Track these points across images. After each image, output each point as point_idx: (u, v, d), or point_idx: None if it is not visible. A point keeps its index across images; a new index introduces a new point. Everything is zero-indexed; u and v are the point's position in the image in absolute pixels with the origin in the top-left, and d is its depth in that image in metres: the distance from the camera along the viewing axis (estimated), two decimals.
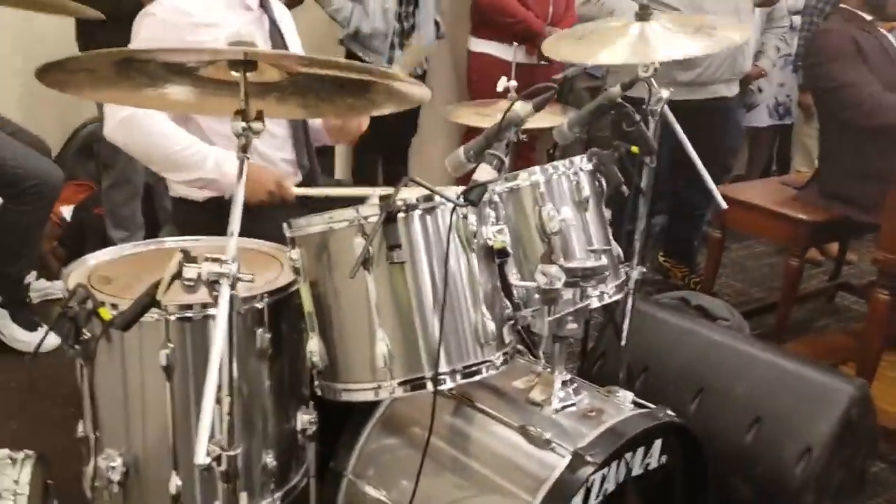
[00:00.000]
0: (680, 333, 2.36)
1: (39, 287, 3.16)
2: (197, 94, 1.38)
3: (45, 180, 2.72)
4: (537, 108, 1.49)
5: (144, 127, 1.95)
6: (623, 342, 2.13)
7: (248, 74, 1.24)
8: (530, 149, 3.81)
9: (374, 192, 1.61)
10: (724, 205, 1.92)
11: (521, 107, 1.48)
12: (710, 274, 3.41)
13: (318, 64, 1.26)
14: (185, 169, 1.99)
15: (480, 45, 3.81)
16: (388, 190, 1.46)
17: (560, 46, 2.01)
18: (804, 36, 4.07)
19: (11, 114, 3.11)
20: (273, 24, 2.14)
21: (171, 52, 1.33)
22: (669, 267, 3.83)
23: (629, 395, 1.67)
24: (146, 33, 1.96)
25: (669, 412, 1.62)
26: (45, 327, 2.83)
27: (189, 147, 1.97)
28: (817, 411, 1.95)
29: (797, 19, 4.16)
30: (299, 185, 2.12)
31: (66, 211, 3.55)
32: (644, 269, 2.04)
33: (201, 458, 1.02)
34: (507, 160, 1.44)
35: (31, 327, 2.87)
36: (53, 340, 2.72)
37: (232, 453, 1.21)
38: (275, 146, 2.13)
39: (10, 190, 2.68)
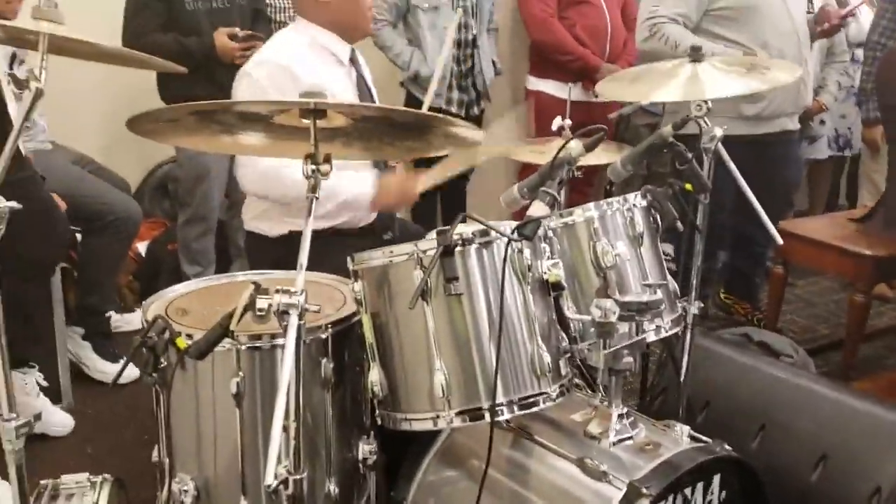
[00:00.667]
0: (742, 369, 2.35)
1: (114, 319, 3.30)
2: (269, 139, 1.48)
3: (125, 216, 2.88)
4: (589, 149, 1.54)
5: (284, 178, 2.05)
6: (682, 377, 2.14)
7: (317, 121, 1.33)
8: (587, 184, 3.85)
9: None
10: (780, 240, 1.93)
11: (574, 147, 1.53)
12: (772, 310, 3.37)
13: (379, 111, 1.34)
14: (324, 203, 2.11)
15: (538, 84, 3.90)
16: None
17: (614, 87, 2.06)
18: (867, 70, 4.03)
19: (94, 154, 3.31)
20: (360, 77, 2.28)
21: (249, 104, 1.43)
22: (732, 304, 3.79)
23: (686, 429, 1.68)
24: (247, 90, 2.10)
25: (726, 446, 1.62)
26: (125, 358, 2.95)
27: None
28: (886, 450, 1.91)
29: (859, 52, 4.12)
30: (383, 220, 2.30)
31: (142, 246, 3.73)
32: (702, 305, 2.05)
33: (270, 479, 1.09)
34: (559, 197, 1.49)
35: (113, 359, 2.99)
36: (132, 372, 2.88)
37: (298, 477, 1.27)
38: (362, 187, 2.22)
39: (92, 224, 2.84)
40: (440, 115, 1.37)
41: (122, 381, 2.79)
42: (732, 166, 1.90)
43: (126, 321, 3.34)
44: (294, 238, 2.08)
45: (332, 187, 2.04)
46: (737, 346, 2.57)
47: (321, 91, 1.29)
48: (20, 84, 1.31)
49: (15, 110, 1.91)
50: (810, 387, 2.20)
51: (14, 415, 1.44)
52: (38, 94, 1.31)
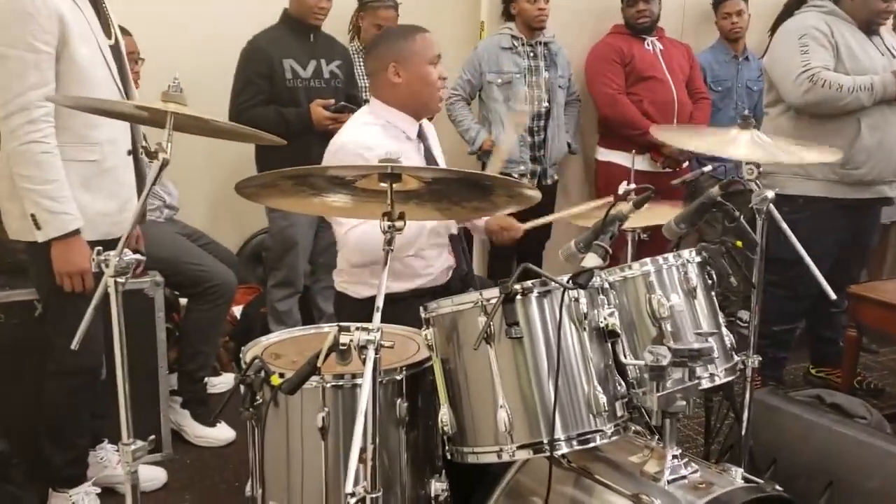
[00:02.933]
0: (811, 427, 2.40)
1: (208, 382, 3.50)
2: (353, 201, 1.69)
3: (223, 282, 3.13)
4: (637, 207, 1.70)
5: (372, 241, 2.18)
6: (743, 431, 2.21)
7: (393, 185, 1.53)
8: (658, 249, 3.94)
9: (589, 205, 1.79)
10: (833, 295, 2.00)
11: (624, 205, 1.69)
12: (847, 373, 3.36)
13: (447, 174, 1.54)
14: (407, 245, 2.31)
15: (607, 155, 4.07)
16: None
17: (671, 135, 2.20)
18: None
19: (198, 225, 3.63)
20: (427, 150, 2.49)
21: (336, 169, 1.66)
22: (827, 375, 3.73)
23: (740, 472, 1.76)
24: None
25: (777, 487, 1.70)
26: (220, 423, 3.16)
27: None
28: None
29: None
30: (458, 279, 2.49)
31: (237, 310, 4.01)
32: (760, 359, 2.13)
33: (349, 487, 1.25)
34: (610, 250, 1.65)
35: (211, 423, 3.16)
36: (228, 434, 3.08)
37: (374, 495, 1.44)
38: (435, 253, 2.43)
39: (193, 289, 3.10)
40: (499, 176, 1.55)
41: (215, 443, 3.09)
42: (784, 226, 2.01)
43: (213, 384, 3.57)
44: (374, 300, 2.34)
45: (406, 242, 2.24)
46: (807, 406, 2.61)
47: (397, 158, 1.50)
48: (150, 155, 1.56)
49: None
50: (882, 446, 2.22)
51: (132, 439, 1.65)
52: (164, 164, 1.57)
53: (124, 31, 3.04)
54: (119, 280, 1.59)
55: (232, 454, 3.09)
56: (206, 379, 3.31)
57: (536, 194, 1.61)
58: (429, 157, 2.51)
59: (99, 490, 2.61)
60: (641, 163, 3.08)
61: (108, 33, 2.34)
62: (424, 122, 2.56)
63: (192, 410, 3.19)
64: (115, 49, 2.36)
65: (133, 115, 2.06)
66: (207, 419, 3.18)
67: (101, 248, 1.64)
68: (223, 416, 3.19)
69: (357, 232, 2.27)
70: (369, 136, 2.33)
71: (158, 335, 2.94)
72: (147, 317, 2.89)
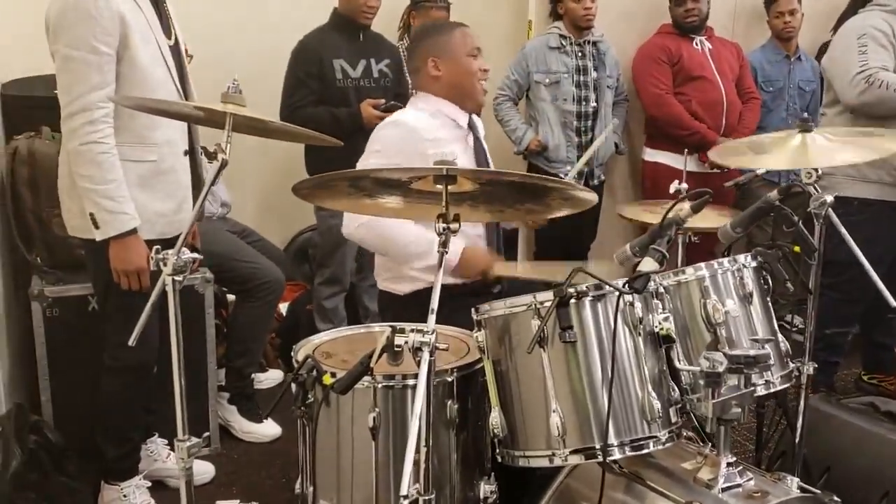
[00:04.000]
0: (866, 436, 2.35)
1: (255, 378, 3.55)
2: (406, 202, 1.69)
3: (272, 279, 3.16)
4: (695, 210, 1.68)
5: (378, 230, 2.32)
6: (797, 439, 2.17)
7: (449, 187, 1.53)
8: (708, 252, 3.89)
9: (558, 272, 1.83)
10: (894, 301, 1.96)
11: (682, 209, 1.67)
12: None
13: (505, 176, 1.53)
14: (417, 258, 2.34)
15: (654, 155, 4.03)
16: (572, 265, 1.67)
17: (726, 155, 2.18)
18: None
19: (247, 222, 3.67)
20: (477, 139, 2.50)
21: (391, 171, 1.66)
22: (879, 383, 3.65)
23: (796, 481, 1.73)
24: (379, 145, 2.37)
25: (836, 498, 1.66)
26: (267, 418, 3.19)
27: (415, 240, 2.32)
28: None
29: None
30: None
31: (283, 307, 4.05)
32: (816, 366, 2.09)
33: (404, 489, 1.25)
34: (667, 254, 1.62)
35: (257, 419, 3.20)
36: (275, 430, 3.11)
37: (427, 497, 1.44)
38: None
39: (244, 286, 3.14)
40: (555, 179, 1.54)
41: (262, 439, 3.12)
42: (844, 231, 1.97)
43: (259, 381, 3.60)
44: (420, 294, 2.38)
45: (429, 250, 2.25)
46: (861, 414, 2.55)
47: (452, 161, 1.50)
48: (210, 156, 1.58)
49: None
50: None
51: (188, 436, 1.68)
52: (224, 164, 1.59)
53: None
54: (177, 278, 1.61)
55: (278, 450, 3.12)
56: (252, 375, 3.34)
57: (592, 197, 1.60)
58: (478, 148, 2.51)
59: (149, 483, 2.66)
60: (690, 163, 3.03)
61: (168, 34, 2.37)
62: (476, 119, 2.57)
63: (239, 406, 3.22)
64: (175, 49, 2.40)
65: (192, 116, 2.09)
66: (254, 415, 3.22)
67: (159, 246, 1.67)
68: (264, 408, 3.23)
69: (367, 224, 2.32)
70: (419, 119, 2.38)
71: (208, 331, 2.99)
72: (197, 313, 2.94)
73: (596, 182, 3.94)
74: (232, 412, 3.21)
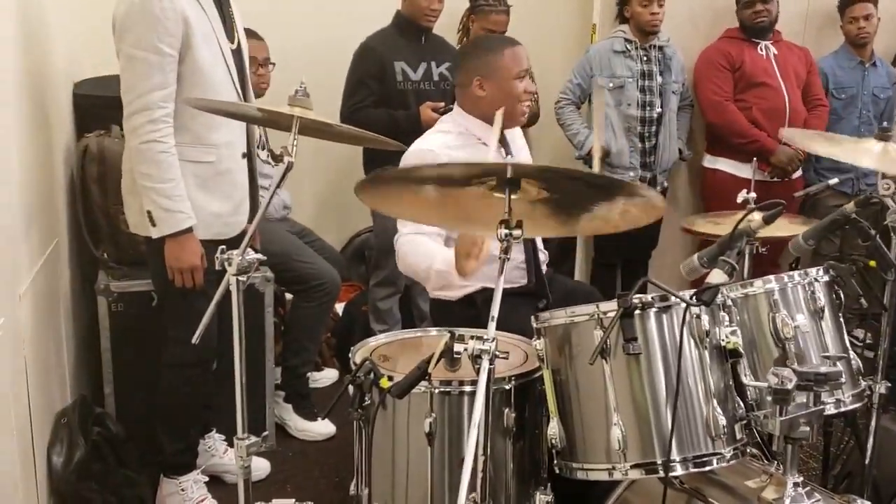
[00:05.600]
0: None
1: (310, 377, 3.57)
2: (467, 214, 1.66)
3: (329, 280, 3.18)
4: (767, 222, 1.62)
5: (410, 247, 2.31)
6: (867, 460, 2.09)
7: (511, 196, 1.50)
8: (773, 264, 3.79)
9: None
10: None
11: (754, 219, 1.62)
12: None
13: (573, 175, 1.48)
14: (424, 281, 2.34)
15: (714, 162, 3.93)
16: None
17: (802, 138, 2.09)
18: None
19: (306, 223, 3.70)
20: (509, 156, 2.46)
21: (452, 167, 1.63)
22: None
23: (866, 503, 1.66)
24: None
25: None
26: (322, 417, 3.22)
27: (424, 262, 2.26)
28: None
29: None
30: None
31: (339, 307, 4.08)
32: (889, 385, 2.01)
33: (462, 499, 1.24)
34: (737, 266, 1.57)
35: (312, 417, 3.23)
36: (328, 429, 3.13)
37: None
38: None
39: (300, 286, 3.17)
40: (622, 180, 1.49)
41: (318, 437, 3.14)
42: None
43: (315, 379, 3.65)
44: (472, 298, 2.36)
45: (432, 254, 2.23)
46: None
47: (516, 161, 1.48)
48: (276, 158, 1.59)
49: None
50: None
51: (247, 434, 1.69)
52: (289, 167, 1.60)
53: (256, 36, 3.13)
54: (241, 278, 1.63)
55: (333, 449, 3.14)
56: (308, 374, 3.37)
57: (660, 199, 1.54)
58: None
59: (207, 479, 2.70)
60: (751, 171, 2.94)
61: (230, 37, 2.40)
62: (516, 130, 2.54)
63: (294, 404, 3.25)
64: (237, 53, 2.43)
65: (257, 119, 2.11)
66: (309, 413, 3.25)
67: (224, 247, 1.69)
68: (321, 410, 3.25)
69: (404, 241, 2.31)
70: (437, 141, 2.38)
71: (267, 329, 3.02)
72: (257, 311, 2.97)
73: (658, 189, 3.86)
74: (287, 410, 3.24)
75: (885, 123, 2.00)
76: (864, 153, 1.92)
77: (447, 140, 2.41)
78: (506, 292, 2.33)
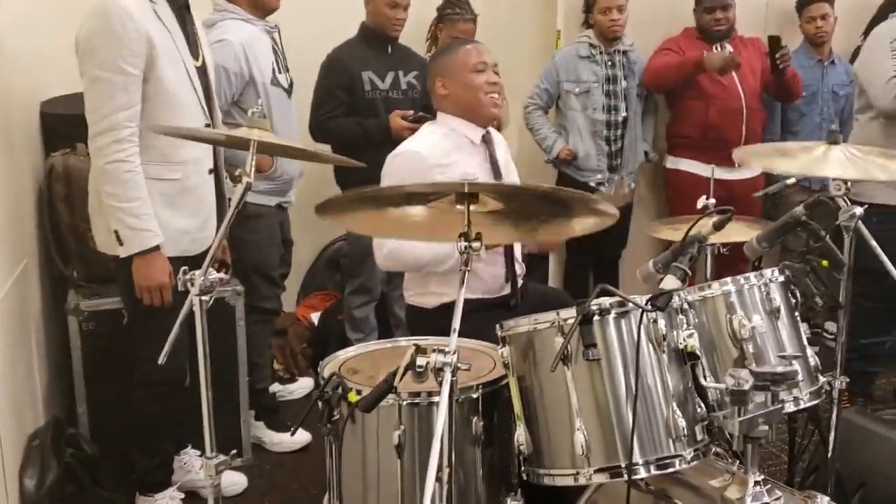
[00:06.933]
0: None
1: (278, 390, 3.59)
2: (430, 223, 1.70)
3: (277, 306, 3.23)
4: (717, 228, 1.66)
5: (402, 257, 2.39)
6: (829, 453, 2.13)
7: (471, 206, 1.54)
8: (743, 261, 3.84)
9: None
10: None
11: (703, 226, 1.66)
12: None
13: (527, 191, 1.53)
14: (441, 263, 2.37)
15: (676, 163, 3.96)
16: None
17: (754, 156, 2.15)
18: None
19: None
20: (492, 156, 2.52)
21: (411, 187, 1.67)
22: None
23: (826, 499, 1.70)
24: (390, 177, 2.39)
25: None
26: (292, 431, 3.19)
27: (435, 249, 2.34)
28: None
29: None
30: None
31: (315, 317, 4.09)
32: (847, 380, 2.06)
33: None
34: (689, 272, 1.61)
35: (284, 429, 3.21)
36: (304, 437, 3.13)
37: None
38: (490, 261, 2.46)
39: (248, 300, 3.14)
40: (573, 191, 1.53)
41: (292, 448, 3.15)
42: (874, 243, 1.94)
43: (289, 391, 3.66)
44: (447, 308, 2.35)
45: (446, 254, 2.30)
46: None
47: (474, 178, 1.51)
48: (234, 179, 1.61)
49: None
50: None
51: (215, 453, 1.70)
52: (248, 188, 1.61)
53: None
54: (204, 298, 1.64)
55: (309, 460, 3.15)
56: (271, 389, 3.39)
57: (614, 211, 1.59)
58: (494, 163, 2.53)
59: (183, 495, 2.70)
60: (716, 171, 2.99)
61: (195, 54, 2.41)
62: (494, 133, 2.58)
63: (266, 421, 3.27)
64: (202, 70, 2.44)
65: (220, 141, 2.12)
66: (282, 426, 3.25)
67: (186, 267, 1.70)
68: (296, 418, 3.24)
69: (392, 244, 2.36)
70: (425, 143, 2.44)
71: (239, 343, 3.02)
72: (228, 325, 2.97)
73: (626, 190, 3.92)
74: (260, 427, 3.25)
75: (834, 126, 2.04)
76: (817, 161, 1.96)
77: (431, 141, 2.46)
78: (486, 302, 2.43)
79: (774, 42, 3.70)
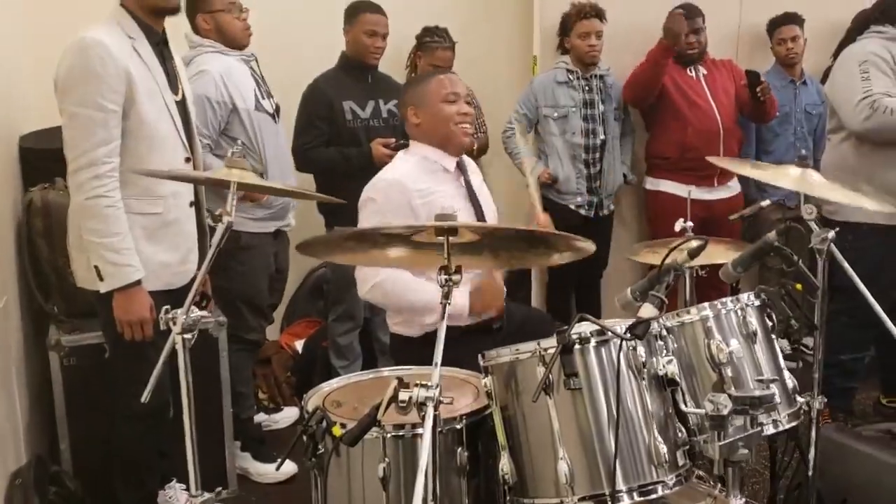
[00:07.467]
0: (882, 467, 2.33)
1: (263, 420, 3.59)
2: (411, 253, 1.73)
3: (262, 337, 3.24)
4: (692, 256, 1.70)
5: (389, 292, 2.41)
6: (810, 472, 2.16)
7: (450, 238, 1.56)
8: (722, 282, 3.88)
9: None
10: None
11: (679, 254, 1.69)
12: None
13: (503, 231, 1.56)
14: (428, 313, 2.39)
15: (657, 185, 4.00)
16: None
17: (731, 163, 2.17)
18: None
19: None
20: (467, 183, 2.57)
21: (393, 228, 1.70)
22: None
23: None
24: (375, 204, 2.41)
25: None
26: (280, 457, 3.20)
27: (424, 296, 2.37)
28: None
29: None
30: None
31: (299, 344, 4.08)
32: (825, 400, 2.09)
33: None
34: (666, 300, 1.64)
35: (270, 459, 3.23)
36: (289, 468, 3.13)
37: None
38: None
39: (232, 330, 3.10)
40: (552, 231, 1.57)
41: (278, 479, 3.14)
42: (846, 265, 1.98)
43: (274, 421, 3.66)
44: (430, 337, 2.35)
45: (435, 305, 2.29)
46: (877, 443, 2.54)
47: (452, 214, 1.53)
48: (215, 218, 1.62)
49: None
50: None
51: (200, 491, 1.70)
52: (229, 227, 1.63)
53: None
54: (186, 337, 1.65)
55: (295, 490, 3.14)
56: (256, 419, 3.38)
57: (590, 246, 1.62)
58: (470, 190, 2.57)
59: None
60: (694, 192, 3.03)
61: (174, 89, 2.43)
62: (468, 160, 2.62)
63: (252, 452, 3.26)
64: (182, 104, 2.45)
65: (201, 181, 2.13)
66: (267, 456, 3.25)
67: (168, 307, 1.71)
68: (281, 448, 3.25)
69: (384, 280, 2.37)
70: (402, 171, 2.48)
71: (223, 374, 3.01)
72: (211, 356, 2.96)
73: (606, 212, 3.97)
74: (246, 458, 3.24)
75: (803, 152, 2.09)
76: (785, 177, 2.01)
77: (407, 168, 2.51)
78: (470, 328, 2.44)
79: (753, 77, 3.79)
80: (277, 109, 3.18)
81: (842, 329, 3.11)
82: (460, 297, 2.40)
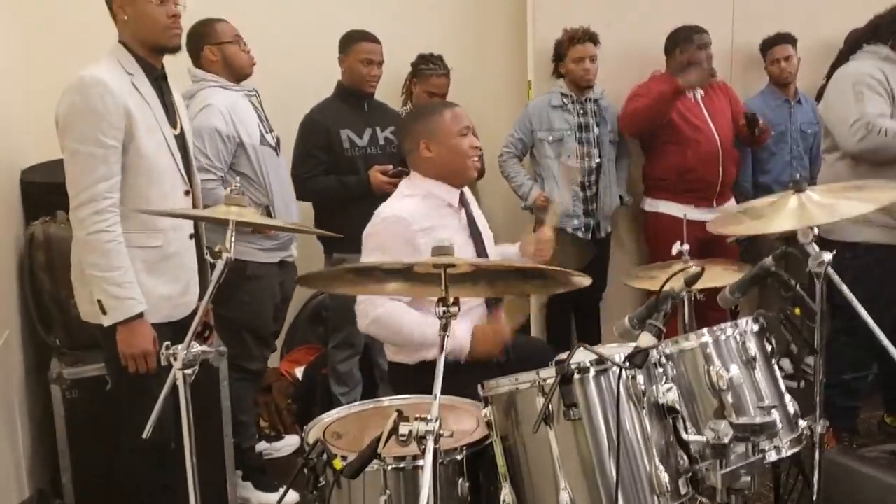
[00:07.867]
0: (887, 489, 2.32)
1: (265, 448, 3.58)
2: (409, 285, 1.74)
3: (263, 366, 3.24)
4: (689, 284, 1.71)
5: (388, 325, 2.40)
6: (815, 496, 2.15)
7: (447, 270, 1.57)
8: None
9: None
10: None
11: (675, 282, 1.70)
12: None
13: (498, 267, 1.57)
14: (426, 348, 2.39)
15: (655, 206, 4.01)
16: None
17: (727, 224, 2.20)
18: None
19: None
20: (469, 216, 2.57)
21: (392, 264, 1.71)
22: None
23: None
24: (377, 241, 2.41)
25: None
26: (283, 487, 3.20)
27: (423, 330, 2.36)
28: None
29: None
30: None
31: (299, 371, 4.08)
32: (827, 423, 2.09)
33: None
34: (664, 328, 1.65)
35: (272, 489, 3.23)
36: (291, 497, 3.12)
37: None
38: (474, 318, 2.50)
39: (234, 360, 3.10)
40: (545, 267, 1.58)
41: None
42: (845, 288, 1.98)
43: (276, 449, 3.66)
44: (428, 365, 2.39)
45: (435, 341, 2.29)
46: (881, 465, 2.53)
47: (449, 247, 1.55)
48: (214, 255, 1.64)
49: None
50: None
51: None
52: (228, 263, 1.64)
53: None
54: (187, 372, 1.65)
55: None
56: (257, 448, 3.37)
57: (586, 280, 1.63)
58: (472, 223, 2.58)
59: None
60: (692, 213, 3.05)
61: (173, 123, 2.45)
62: (466, 191, 2.64)
63: (254, 481, 3.25)
64: (181, 138, 2.47)
65: (201, 218, 2.14)
66: (269, 485, 3.24)
67: (168, 343, 1.71)
68: (283, 476, 3.25)
69: (382, 314, 2.37)
70: (405, 209, 2.45)
71: (223, 404, 3.01)
72: (212, 386, 2.96)
73: (603, 234, 3.98)
74: (247, 488, 3.24)
75: (797, 176, 2.09)
76: (783, 216, 1.99)
77: (412, 204, 2.48)
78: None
79: (752, 119, 3.85)
80: (278, 142, 3.22)
81: (842, 348, 3.11)
82: (461, 335, 2.40)
